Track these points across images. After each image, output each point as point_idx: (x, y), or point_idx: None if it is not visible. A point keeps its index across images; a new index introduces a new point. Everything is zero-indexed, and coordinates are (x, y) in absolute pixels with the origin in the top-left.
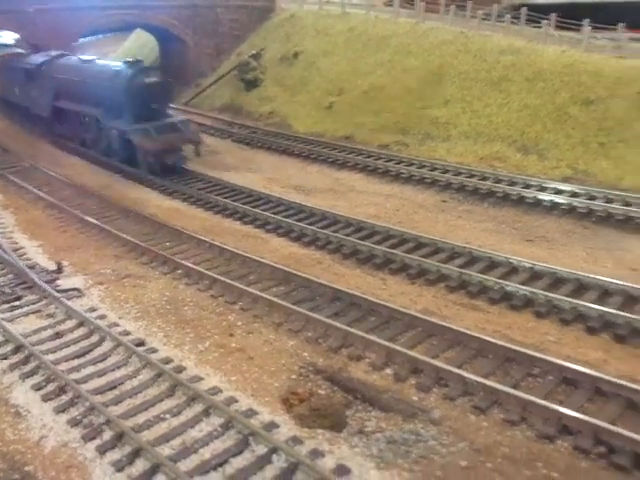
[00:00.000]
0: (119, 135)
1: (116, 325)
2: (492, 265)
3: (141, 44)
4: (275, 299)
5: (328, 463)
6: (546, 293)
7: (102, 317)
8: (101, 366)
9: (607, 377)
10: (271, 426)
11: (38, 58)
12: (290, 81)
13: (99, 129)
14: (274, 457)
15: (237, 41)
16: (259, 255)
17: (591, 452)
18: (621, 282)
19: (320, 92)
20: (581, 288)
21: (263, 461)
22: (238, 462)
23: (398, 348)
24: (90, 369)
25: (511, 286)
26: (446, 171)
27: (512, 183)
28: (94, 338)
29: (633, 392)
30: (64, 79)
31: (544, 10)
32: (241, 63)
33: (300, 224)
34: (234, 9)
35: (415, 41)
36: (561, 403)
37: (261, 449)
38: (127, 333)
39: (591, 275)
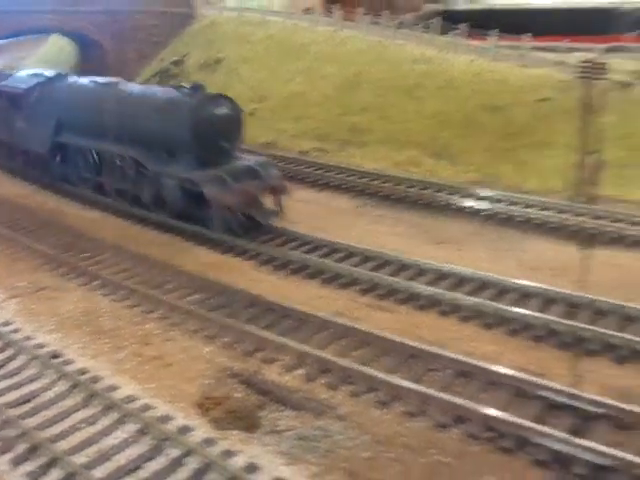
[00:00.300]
0: (179, 185)
1: (31, 338)
2: (402, 267)
3: (58, 49)
4: (192, 307)
5: (239, 462)
6: (450, 293)
7: (16, 331)
8: (16, 380)
9: (499, 369)
10: (186, 430)
11: (25, 79)
12: (212, 87)
13: (140, 175)
14: (188, 459)
15: (158, 47)
16: (178, 263)
17: (481, 437)
18: (519, 281)
19: (242, 99)
20: (482, 287)
21: (176, 464)
22: (152, 466)
23: (309, 350)
24: (4, 383)
25: (418, 287)
26: (362, 177)
27: (424, 187)
28: (8, 352)
29: (521, 381)
30: (72, 107)
31: (464, 17)
32: (162, 70)
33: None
34: (154, 15)
35: (333, 49)
36: (456, 394)
37: (175, 452)
38: (42, 346)
39: (492, 275)
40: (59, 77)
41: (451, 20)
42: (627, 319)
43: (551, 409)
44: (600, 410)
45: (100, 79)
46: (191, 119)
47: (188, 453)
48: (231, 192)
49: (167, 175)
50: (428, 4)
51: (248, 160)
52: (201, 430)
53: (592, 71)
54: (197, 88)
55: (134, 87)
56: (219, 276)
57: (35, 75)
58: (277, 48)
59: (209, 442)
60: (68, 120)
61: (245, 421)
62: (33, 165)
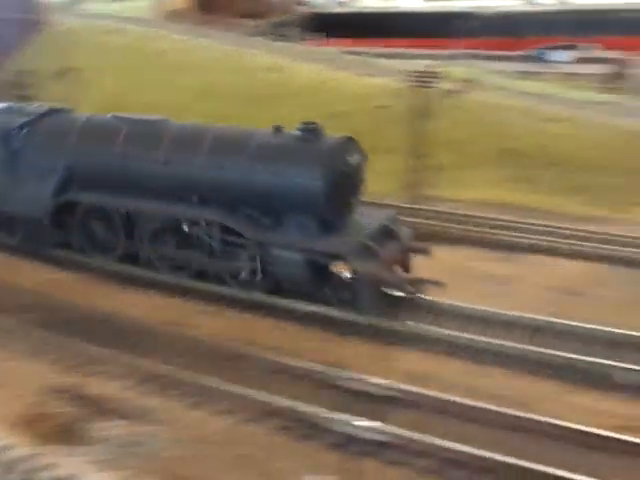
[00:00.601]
0: (305, 258)
1: None
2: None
3: None
4: (18, 325)
5: (57, 474)
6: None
7: None
8: None
9: (306, 364)
10: (5, 449)
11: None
12: (67, 97)
13: (227, 246)
14: (5, 477)
15: (8, 55)
16: (11, 283)
17: (285, 428)
18: None
19: (97, 108)
20: None
21: None
22: None
23: (133, 360)
24: None
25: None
26: None
27: None
28: None
29: (320, 373)
30: (91, 155)
31: (334, 20)
32: (9, 80)
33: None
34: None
35: (190, 58)
36: (263, 390)
37: None
38: None
39: None
40: (55, 113)
41: (321, 23)
42: (441, 313)
43: (351, 396)
44: (394, 394)
45: (134, 116)
46: (324, 171)
47: (5, 470)
48: (381, 262)
49: (282, 246)
50: (300, 6)
51: (372, 215)
52: (23, 448)
53: (423, 79)
54: (314, 129)
55: (198, 128)
56: (54, 294)
57: (14, 110)
58: (134, 56)
59: (28, 458)
60: (83, 172)
61: (69, 434)
62: (7, 229)
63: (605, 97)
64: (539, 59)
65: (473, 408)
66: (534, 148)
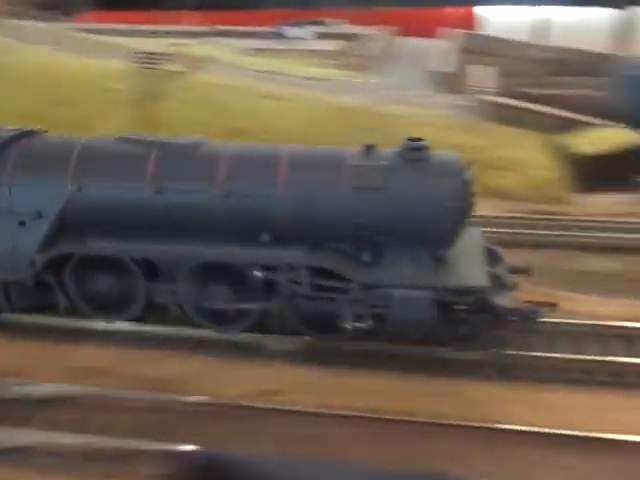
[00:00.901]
0: (432, 297)
1: None
2: None
3: None
4: None
5: None
6: None
7: None
8: None
9: None
10: None
11: None
12: None
13: (318, 291)
14: None
15: None
16: None
17: None
18: None
19: None
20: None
21: None
22: None
23: None
24: None
25: None
26: None
27: None
28: None
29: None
30: (101, 191)
31: None
32: None
33: None
34: None
35: None
36: None
37: None
38: None
39: None
40: (30, 137)
41: None
42: None
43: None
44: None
45: (158, 139)
46: (453, 196)
47: None
48: (508, 291)
49: (399, 285)
50: None
51: (473, 236)
52: None
53: (150, 61)
54: (422, 147)
55: (265, 150)
56: None
57: None
58: None
59: None
60: (88, 215)
61: None
62: None
63: (331, 73)
64: (280, 35)
65: (119, 397)
66: (256, 126)
